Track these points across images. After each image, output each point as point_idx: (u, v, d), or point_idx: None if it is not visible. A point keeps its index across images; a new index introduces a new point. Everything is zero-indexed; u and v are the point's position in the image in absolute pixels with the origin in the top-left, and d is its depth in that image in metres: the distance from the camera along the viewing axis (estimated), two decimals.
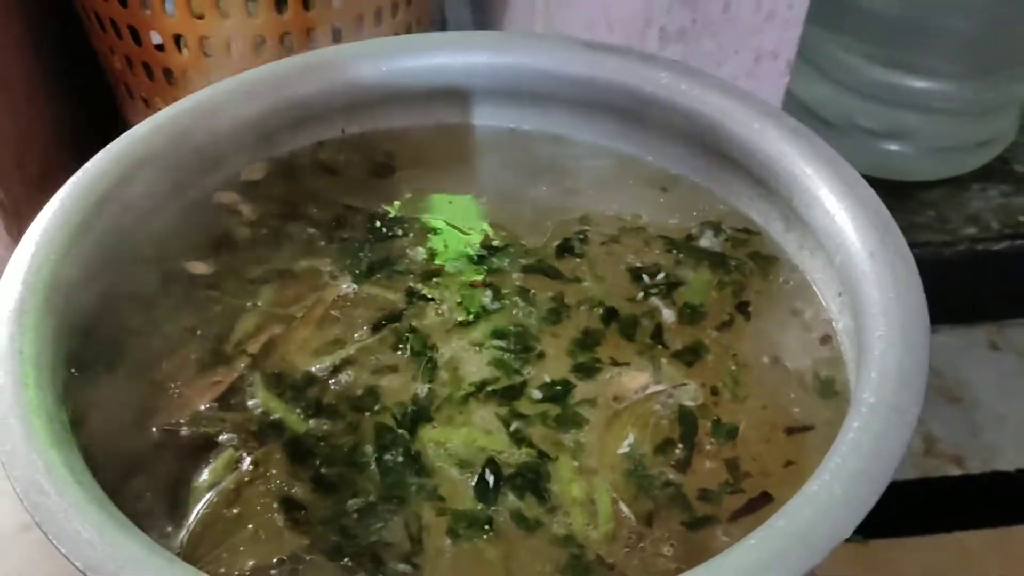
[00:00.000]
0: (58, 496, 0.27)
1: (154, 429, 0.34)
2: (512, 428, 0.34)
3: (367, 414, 0.35)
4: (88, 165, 0.38)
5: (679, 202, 0.43)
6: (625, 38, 0.82)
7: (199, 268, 0.39)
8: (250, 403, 0.35)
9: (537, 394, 0.35)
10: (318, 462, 0.33)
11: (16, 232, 0.80)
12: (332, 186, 0.44)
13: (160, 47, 0.79)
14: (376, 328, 0.38)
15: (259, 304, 0.39)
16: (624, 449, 0.34)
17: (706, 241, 0.41)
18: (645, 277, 0.40)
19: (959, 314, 0.77)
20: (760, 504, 0.32)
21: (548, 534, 0.31)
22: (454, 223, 0.42)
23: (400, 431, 0.34)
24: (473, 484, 0.33)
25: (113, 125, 0.90)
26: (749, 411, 0.35)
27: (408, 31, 0.87)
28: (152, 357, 0.36)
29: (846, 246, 0.35)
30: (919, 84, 0.80)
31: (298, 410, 0.35)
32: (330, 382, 0.36)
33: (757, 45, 0.78)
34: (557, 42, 0.45)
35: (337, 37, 0.82)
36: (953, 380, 0.73)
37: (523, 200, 0.43)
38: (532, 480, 0.33)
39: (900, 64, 0.80)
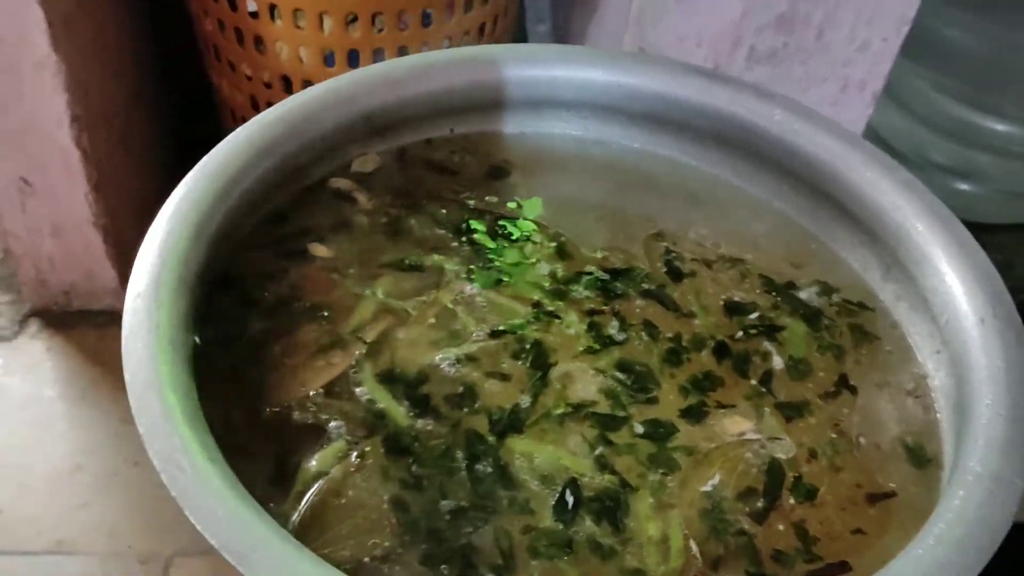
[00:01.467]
0: (194, 474, 0.28)
1: (268, 408, 0.35)
2: (597, 452, 0.35)
3: (465, 411, 0.36)
4: (216, 149, 0.39)
5: (778, 238, 0.44)
6: (713, 55, 0.82)
7: (320, 251, 0.40)
8: (358, 391, 0.36)
9: (639, 428, 0.36)
10: (412, 461, 0.34)
11: (96, 180, 0.82)
12: (449, 183, 0.45)
13: (254, 14, 0.80)
14: (496, 334, 0.38)
15: (378, 293, 0.39)
16: (706, 488, 0.34)
17: (807, 295, 0.41)
18: (744, 314, 0.40)
19: None
20: (837, 572, 0.32)
21: (620, 564, 0.32)
22: (573, 237, 0.43)
23: (491, 438, 0.35)
24: (553, 503, 0.34)
25: (196, 87, 0.91)
26: (834, 475, 0.35)
27: (482, 28, 0.88)
28: (272, 335, 0.37)
29: (954, 308, 0.35)
30: (999, 127, 0.79)
31: (404, 405, 0.36)
32: (440, 378, 0.37)
33: (846, 74, 0.77)
34: (674, 66, 0.46)
35: (426, 20, 0.83)
36: None
37: (631, 218, 0.44)
38: (610, 508, 0.34)
39: (981, 104, 0.80)
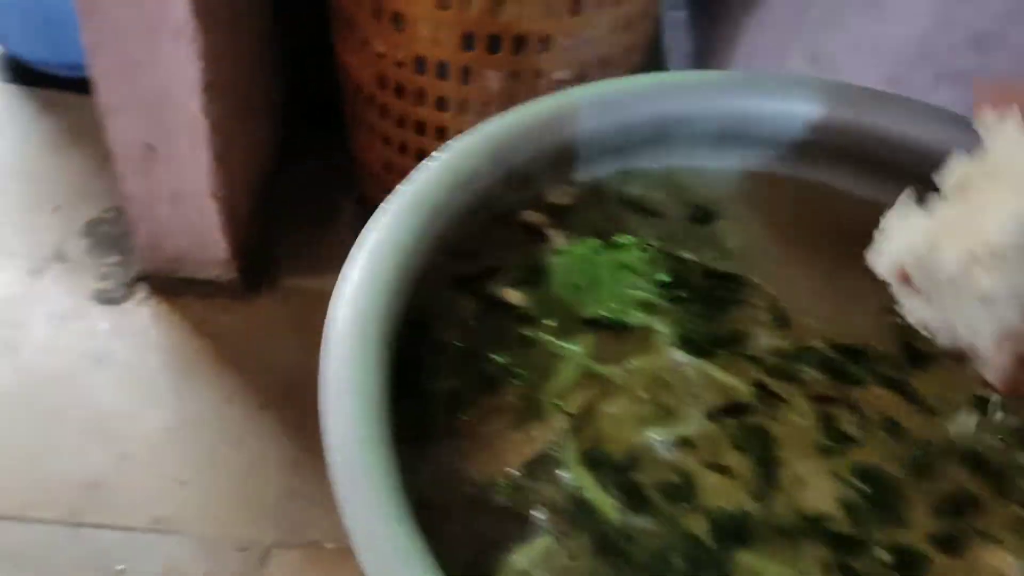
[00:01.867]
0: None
1: (465, 485, 0.31)
2: None
3: (683, 506, 0.32)
4: (416, 175, 0.35)
5: None
6: (892, 67, 0.76)
7: (514, 297, 0.36)
8: (560, 474, 0.32)
9: (884, 555, 0.31)
10: (624, 562, 0.30)
11: (219, 150, 0.79)
12: (649, 225, 0.40)
13: None
14: (714, 416, 0.34)
15: (580, 353, 0.35)
16: None
17: None
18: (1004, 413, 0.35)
19: None
20: None
21: None
22: (794, 302, 0.38)
23: (713, 546, 0.31)
24: None
25: (323, 58, 0.88)
26: None
27: (629, 20, 0.82)
28: (464, 396, 0.34)
29: None
30: None
31: (612, 494, 0.32)
32: (651, 462, 0.32)
33: None
34: (899, 102, 0.40)
35: (576, 8, 0.77)
36: None
37: (861, 282, 0.38)
38: None
39: None
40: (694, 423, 0.33)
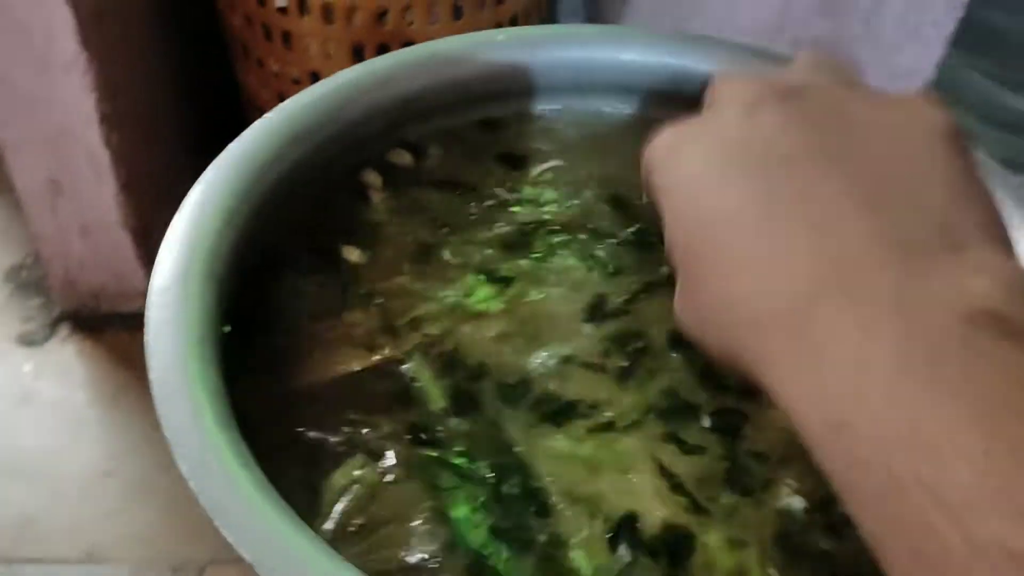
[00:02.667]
0: (225, 482, 0.26)
1: (299, 393, 0.33)
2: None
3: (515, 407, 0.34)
4: (244, 135, 0.37)
5: None
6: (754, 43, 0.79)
7: (352, 254, 0.38)
8: (402, 381, 0.34)
9: (706, 421, 0.33)
10: (447, 459, 0.32)
11: (125, 180, 0.81)
12: (490, 173, 0.42)
13: (283, 10, 0.79)
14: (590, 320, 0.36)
15: (442, 291, 0.37)
16: (781, 503, 0.31)
17: None
18: None
19: None
20: None
21: None
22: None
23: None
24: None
25: (226, 84, 0.90)
26: None
27: (514, 20, 0.86)
28: (316, 319, 0.36)
29: None
30: None
31: (446, 393, 0.34)
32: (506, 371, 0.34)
33: (895, 62, 0.74)
34: (719, 44, 0.43)
35: (458, 14, 0.81)
36: None
37: None
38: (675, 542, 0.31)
39: None
40: (569, 338, 0.36)
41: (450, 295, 0.37)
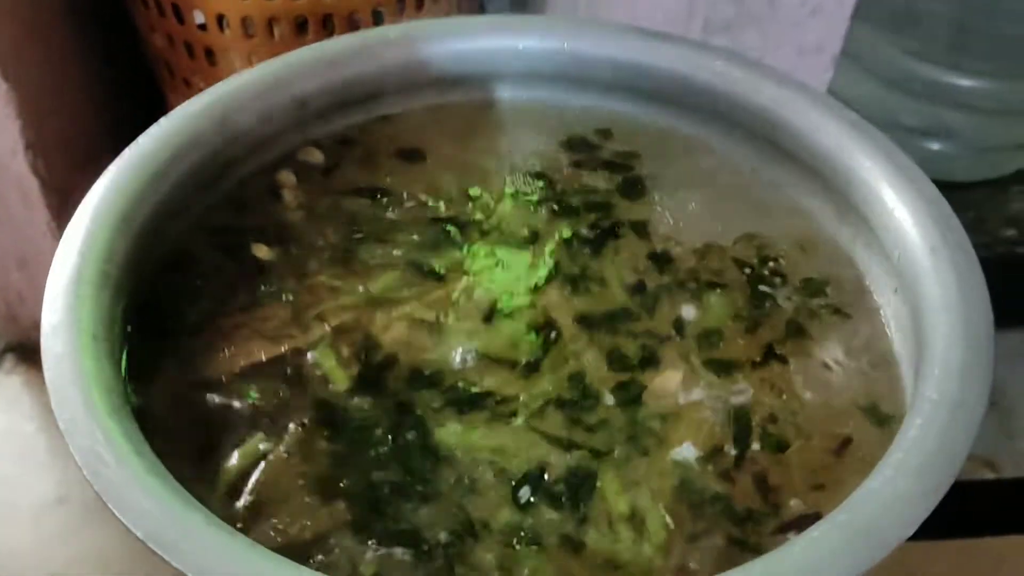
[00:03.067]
0: (118, 466, 0.27)
1: (201, 384, 0.34)
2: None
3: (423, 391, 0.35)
4: (140, 140, 0.38)
5: (732, 188, 0.43)
6: (668, 29, 0.81)
7: (262, 251, 0.39)
8: (306, 370, 0.35)
9: (609, 399, 0.35)
10: (342, 436, 0.33)
11: (57, 207, 0.81)
12: (399, 174, 0.44)
13: (203, 26, 0.79)
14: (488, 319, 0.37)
15: (355, 286, 0.39)
16: (675, 456, 0.33)
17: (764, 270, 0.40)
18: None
19: (996, 318, 0.77)
20: (812, 522, 0.31)
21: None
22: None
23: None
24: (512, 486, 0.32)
25: (155, 105, 0.90)
26: (794, 421, 0.34)
27: (448, 16, 0.87)
28: (223, 313, 0.37)
29: (905, 241, 0.34)
30: (963, 82, 0.79)
31: (352, 380, 0.35)
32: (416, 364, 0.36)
33: (801, 39, 0.77)
34: (612, 29, 0.45)
35: (378, 20, 0.82)
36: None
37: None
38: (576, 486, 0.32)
39: (945, 62, 0.79)
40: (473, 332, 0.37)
41: (365, 290, 0.39)
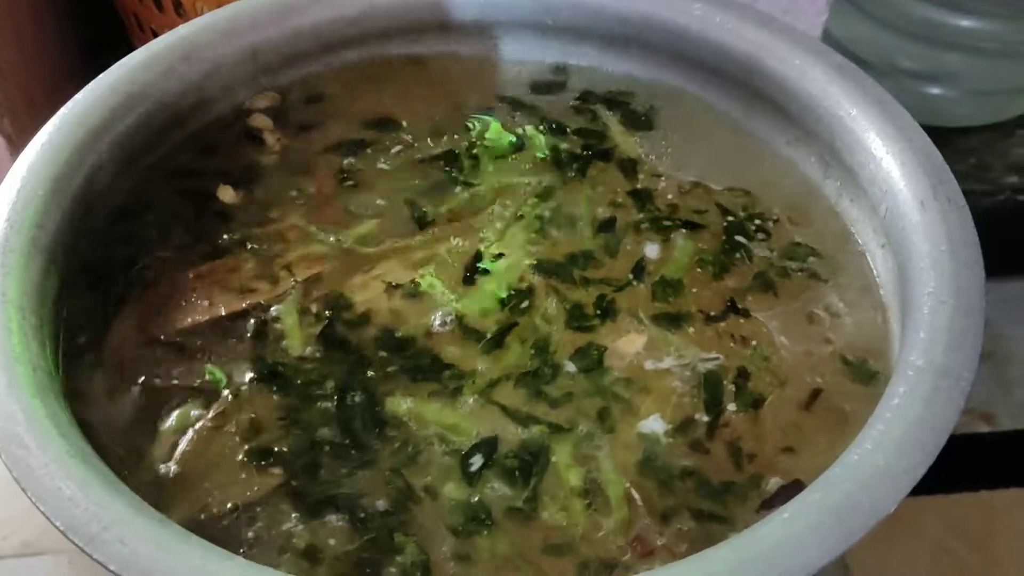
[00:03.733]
0: (39, 450, 0.25)
1: (159, 337, 0.33)
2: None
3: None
4: (77, 97, 0.36)
5: (715, 140, 0.41)
6: None
7: (227, 195, 0.38)
8: (269, 326, 0.34)
9: (570, 366, 0.33)
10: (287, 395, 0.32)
11: None
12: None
13: None
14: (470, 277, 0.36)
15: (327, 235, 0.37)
16: (641, 429, 0.31)
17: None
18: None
19: (995, 266, 0.75)
20: (792, 493, 0.29)
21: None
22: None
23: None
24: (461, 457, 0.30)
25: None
26: (774, 384, 0.32)
27: None
28: (179, 275, 0.35)
29: (893, 193, 0.32)
30: (964, 23, 0.76)
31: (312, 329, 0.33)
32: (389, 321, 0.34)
33: None
34: None
35: None
36: (986, 335, 0.71)
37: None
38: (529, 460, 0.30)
39: (944, 1, 0.77)
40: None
41: (342, 239, 0.37)
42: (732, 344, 0.33)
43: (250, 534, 0.28)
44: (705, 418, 0.31)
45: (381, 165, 0.40)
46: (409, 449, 0.30)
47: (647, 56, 0.42)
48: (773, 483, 0.30)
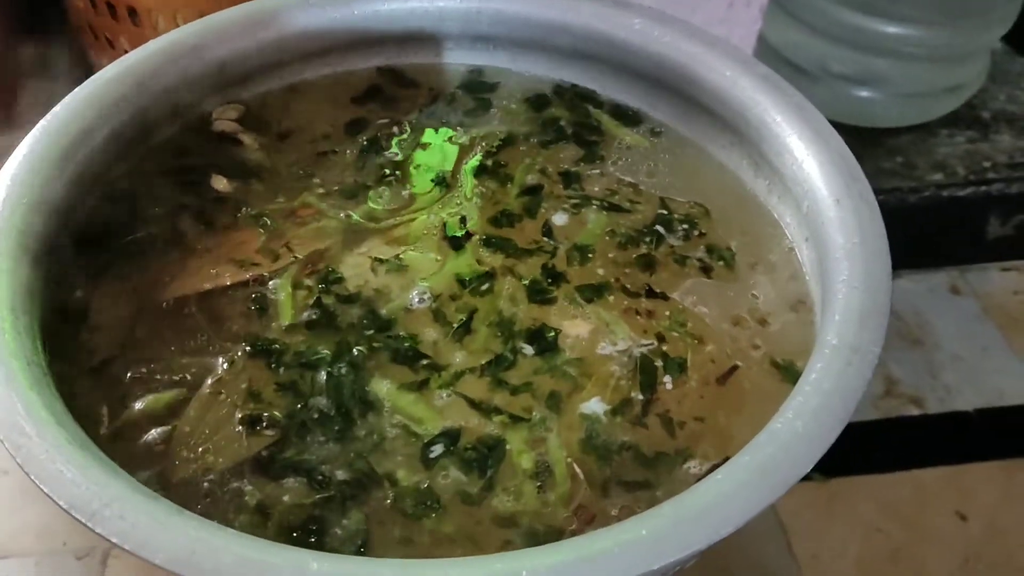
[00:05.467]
0: (39, 437, 0.27)
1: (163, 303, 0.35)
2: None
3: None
4: (57, 109, 0.38)
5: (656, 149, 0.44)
6: None
7: (220, 184, 0.40)
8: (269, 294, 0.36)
9: (528, 349, 0.36)
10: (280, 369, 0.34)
11: None
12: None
13: None
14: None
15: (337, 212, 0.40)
16: (583, 410, 0.34)
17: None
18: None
19: (922, 259, 0.79)
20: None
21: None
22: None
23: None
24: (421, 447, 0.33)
25: (83, 69, 0.88)
26: (703, 364, 0.35)
27: None
28: (180, 251, 0.38)
29: (813, 192, 0.35)
30: (891, 29, 0.80)
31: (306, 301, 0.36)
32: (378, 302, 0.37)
33: None
34: None
35: None
36: (915, 323, 0.75)
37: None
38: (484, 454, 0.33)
39: (872, 9, 0.80)
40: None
41: (342, 214, 0.40)
42: (659, 322, 0.36)
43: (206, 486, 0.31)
44: (640, 397, 0.34)
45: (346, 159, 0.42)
46: (375, 437, 0.33)
47: (591, 67, 0.45)
48: (700, 452, 0.33)
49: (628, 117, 0.45)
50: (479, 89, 0.46)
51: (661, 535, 0.25)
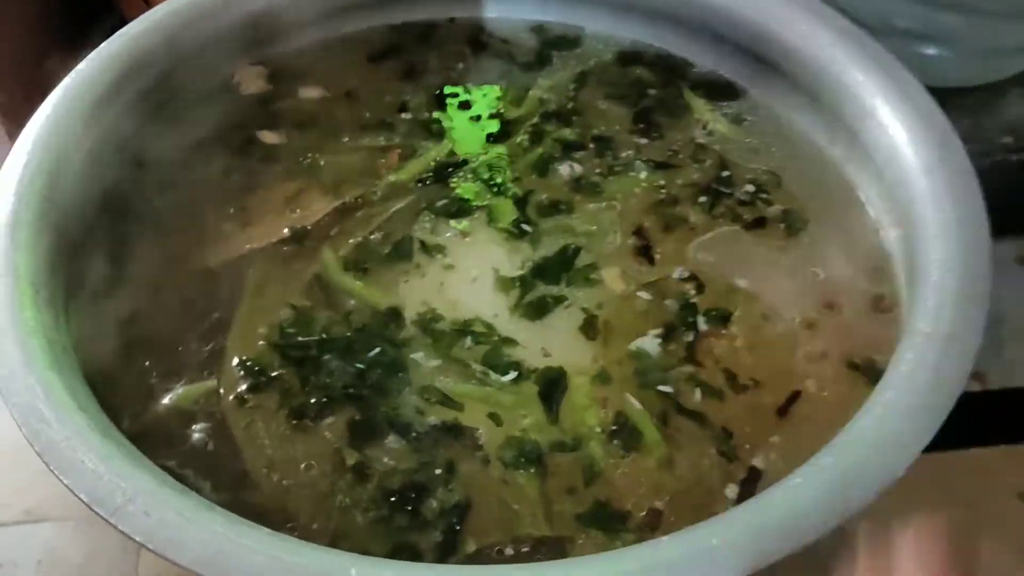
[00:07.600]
0: (59, 424, 0.25)
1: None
2: None
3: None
4: (81, 66, 0.35)
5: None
6: None
7: (269, 138, 0.39)
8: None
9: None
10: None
11: (16, 135, 0.77)
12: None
13: None
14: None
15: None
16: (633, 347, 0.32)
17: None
18: None
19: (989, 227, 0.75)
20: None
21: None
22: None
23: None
24: None
25: (113, 22, 0.85)
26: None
27: None
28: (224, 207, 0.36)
29: (899, 162, 0.32)
30: None
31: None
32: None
33: None
34: None
35: None
36: None
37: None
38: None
39: None
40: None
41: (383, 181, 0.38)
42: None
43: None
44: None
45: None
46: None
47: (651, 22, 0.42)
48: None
49: (688, 74, 0.41)
50: (555, 45, 0.43)
51: (736, 544, 0.23)
